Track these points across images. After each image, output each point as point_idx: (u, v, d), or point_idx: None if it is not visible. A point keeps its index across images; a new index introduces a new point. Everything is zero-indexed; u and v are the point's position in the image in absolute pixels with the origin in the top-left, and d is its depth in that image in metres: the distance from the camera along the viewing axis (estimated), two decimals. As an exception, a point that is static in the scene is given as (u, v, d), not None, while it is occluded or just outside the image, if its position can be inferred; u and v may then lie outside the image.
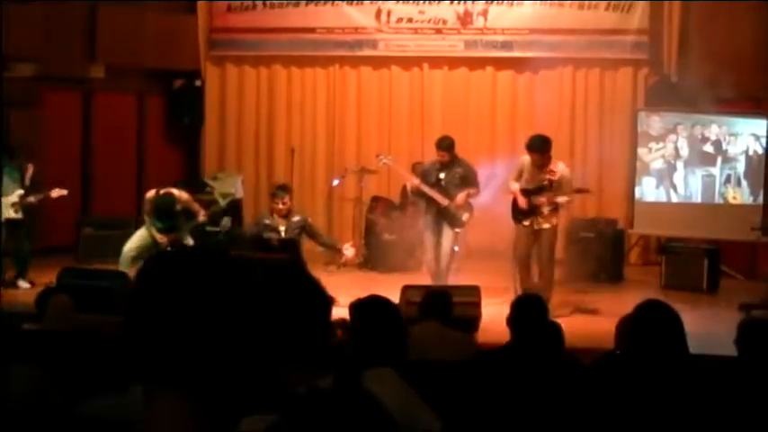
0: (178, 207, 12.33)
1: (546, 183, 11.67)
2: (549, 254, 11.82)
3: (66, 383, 4.90)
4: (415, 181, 12.55)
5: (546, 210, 11.69)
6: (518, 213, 11.82)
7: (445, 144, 12.31)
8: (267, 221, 12.70)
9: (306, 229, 12.64)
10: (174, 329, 1.99)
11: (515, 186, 11.83)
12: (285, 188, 12.95)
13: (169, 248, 12.03)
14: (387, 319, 4.82)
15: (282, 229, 12.47)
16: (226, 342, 2.02)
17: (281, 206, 12.54)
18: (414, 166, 14.37)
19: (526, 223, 11.74)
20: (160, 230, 12.18)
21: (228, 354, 2.02)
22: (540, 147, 11.70)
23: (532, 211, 11.70)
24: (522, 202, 11.68)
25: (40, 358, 5.21)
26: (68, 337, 6.58)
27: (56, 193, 13.09)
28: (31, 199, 12.86)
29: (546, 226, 11.74)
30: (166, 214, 12.18)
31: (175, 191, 12.50)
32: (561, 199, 11.75)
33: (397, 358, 4.66)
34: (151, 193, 12.42)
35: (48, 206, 13.48)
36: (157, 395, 2.03)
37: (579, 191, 12.52)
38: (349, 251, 12.82)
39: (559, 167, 11.83)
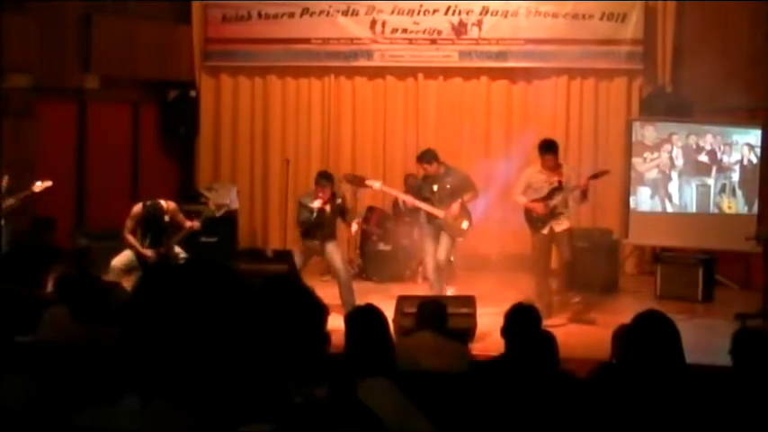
0: (166, 218, 12.26)
1: (557, 185, 11.84)
2: (570, 253, 12.11)
3: (60, 393, 4.88)
4: (408, 198, 12.64)
5: (564, 209, 11.94)
6: (536, 221, 11.97)
7: (426, 157, 12.42)
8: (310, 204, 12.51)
9: (341, 209, 12.62)
10: (172, 340, 1.99)
11: (523, 200, 12.01)
12: (328, 176, 12.72)
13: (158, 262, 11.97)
14: (373, 328, 4.82)
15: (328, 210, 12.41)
16: (222, 352, 2.01)
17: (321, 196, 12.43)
18: (407, 178, 14.42)
19: (545, 231, 11.95)
20: (148, 245, 12.06)
21: (225, 364, 2.01)
22: (552, 147, 11.97)
23: (550, 216, 11.89)
24: (540, 207, 11.83)
25: (34, 368, 5.19)
26: (64, 348, 6.56)
27: (38, 186, 12.74)
28: (10, 201, 12.49)
29: (563, 227, 11.99)
30: (155, 226, 12.11)
31: (163, 202, 12.39)
32: (576, 192, 12.01)
33: (385, 366, 4.65)
34: (138, 208, 12.32)
35: (41, 213, 13.37)
36: (154, 405, 2.02)
37: (596, 175, 12.53)
38: (354, 227, 12.95)
39: (565, 168, 12.12)
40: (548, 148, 11.95)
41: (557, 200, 11.85)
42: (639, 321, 5.33)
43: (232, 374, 2.03)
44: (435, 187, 12.32)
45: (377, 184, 13.38)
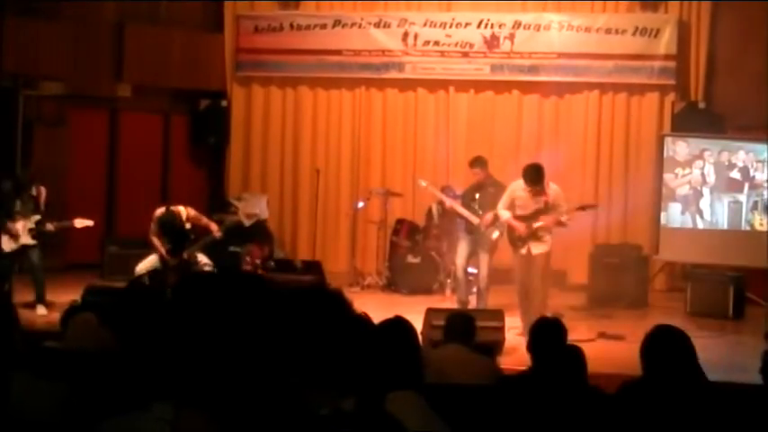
0: (187, 225, 12.31)
1: (542, 206, 11.57)
2: (540, 279, 11.66)
3: (89, 400, 4.89)
4: (449, 201, 12.96)
5: (545, 232, 11.59)
6: (516, 240, 11.71)
7: (478, 162, 12.63)
8: None
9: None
10: (205, 350, 1.99)
11: (507, 215, 11.73)
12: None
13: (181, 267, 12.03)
14: (402, 340, 4.79)
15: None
16: (253, 362, 2.01)
17: None
18: (442, 189, 14.44)
19: (523, 252, 11.64)
20: (170, 251, 12.09)
21: (255, 374, 2.01)
22: (535, 178, 11.55)
23: (531, 237, 11.57)
24: (522, 228, 11.56)
25: (63, 375, 5.21)
26: (91, 355, 6.58)
27: (80, 223, 12.73)
28: (50, 227, 12.45)
29: (540, 251, 11.60)
30: (174, 233, 12.14)
31: (182, 208, 12.43)
32: (564, 218, 11.63)
33: (414, 379, 4.63)
34: (159, 211, 12.39)
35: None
36: (185, 413, 2.03)
37: (583, 207, 12.31)
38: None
39: (551, 188, 11.70)
40: (529, 179, 11.56)
41: (540, 221, 11.51)
42: (650, 338, 5.36)
43: (262, 384, 2.03)
44: (477, 195, 12.52)
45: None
